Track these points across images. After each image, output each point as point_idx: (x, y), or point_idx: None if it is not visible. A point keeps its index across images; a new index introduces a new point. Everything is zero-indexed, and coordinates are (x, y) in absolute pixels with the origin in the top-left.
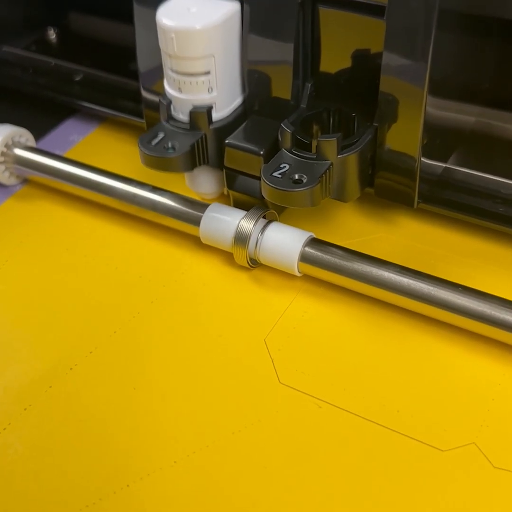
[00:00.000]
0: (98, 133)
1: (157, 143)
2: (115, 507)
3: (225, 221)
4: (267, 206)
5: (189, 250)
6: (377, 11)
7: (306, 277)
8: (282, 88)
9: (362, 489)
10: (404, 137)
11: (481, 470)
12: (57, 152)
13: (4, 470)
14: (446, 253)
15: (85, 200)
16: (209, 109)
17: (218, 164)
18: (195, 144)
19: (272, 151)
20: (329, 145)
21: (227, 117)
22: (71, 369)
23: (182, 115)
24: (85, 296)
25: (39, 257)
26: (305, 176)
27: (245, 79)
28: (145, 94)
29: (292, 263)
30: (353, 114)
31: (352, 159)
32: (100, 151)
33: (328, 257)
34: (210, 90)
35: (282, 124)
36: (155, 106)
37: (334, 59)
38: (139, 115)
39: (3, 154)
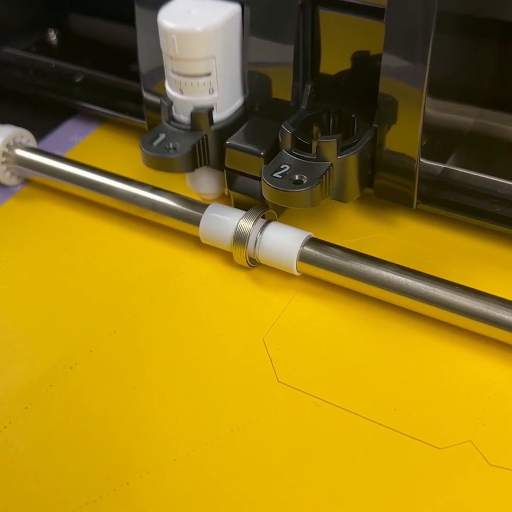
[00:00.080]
0: (98, 134)
1: (159, 144)
2: (115, 504)
3: (225, 221)
4: (267, 206)
5: (188, 250)
6: (376, 13)
7: (305, 277)
8: (282, 90)
9: (359, 486)
10: (403, 138)
11: (477, 468)
12: (58, 153)
13: (5, 469)
14: (444, 253)
15: (85, 200)
16: (210, 110)
17: (219, 165)
18: (196, 145)
19: (272, 152)
20: (329, 146)
21: (228, 118)
22: (71, 368)
23: (183, 116)
24: (85, 295)
25: (40, 257)
26: (305, 176)
27: (245, 80)
28: (146, 95)
29: (291, 262)
30: (353, 115)
31: (351, 160)
32: (100, 152)
33: (327, 256)
34: (211, 91)
35: (282, 125)
36: (156, 107)
37: (334, 61)
38: (139, 116)
39: (4, 154)
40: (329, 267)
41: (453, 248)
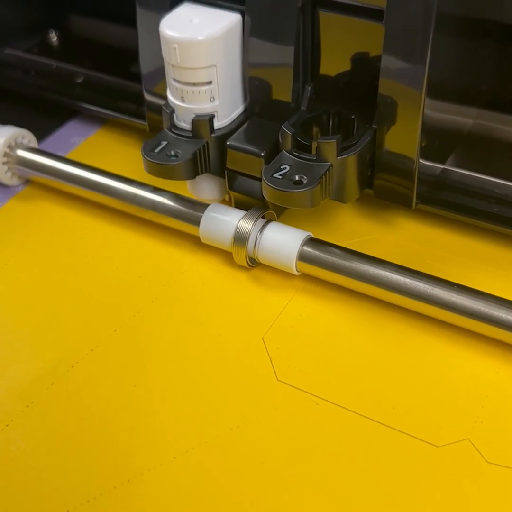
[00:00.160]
0: (99, 135)
1: (160, 151)
2: (115, 501)
3: (225, 221)
4: (267, 206)
5: (189, 250)
6: (376, 15)
7: (304, 276)
8: (282, 91)
9: (358, 484)
10: (402, 139)
11: (475, 466)
12: (59, 154)
13: (7, 466)
14: (444, 254)
15: (86, 201)
16: (211, 118)
17: (220, 172)
18: (197, 152)
19: (272, 153)
20: (329, 147)
21: (229, 125)
22: (72, 367)
23: (185, 124)
24: (86, 295)
25: (41, 257)
26: (305, 177)
27: (246, 87)
28: (147, 97)
29: (290, 262)
30: (353, 116)
31: (351, 160)
32: (101, 153)
33: (326, 256)
34: (212, 99)
35: (282, 126)
36: (157, 109)
37: (333, 62)
38: (140, 117)
39: (6, 155)
40: (328, 266)
41: (452, 248)
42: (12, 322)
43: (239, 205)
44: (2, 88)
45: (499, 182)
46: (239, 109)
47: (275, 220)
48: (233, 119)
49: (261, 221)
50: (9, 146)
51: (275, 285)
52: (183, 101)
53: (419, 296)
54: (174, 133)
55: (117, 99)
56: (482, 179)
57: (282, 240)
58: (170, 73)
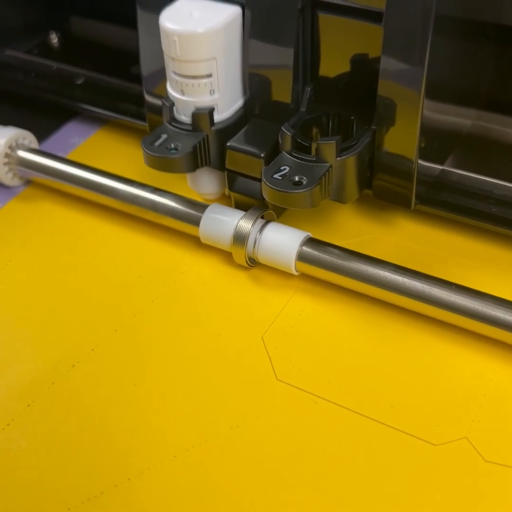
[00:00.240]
0: (99, 136)
1: (160, 144)
2: (116, 500)
3: (224, 221)
4: (267, 207)
5: (188, 250)
6: (375, 17)
7: (303, 276)
8: (282, 92)
9: (357, 482)
10: (401, 140)
11: (473, 464)
12: (59, 155)
13: (8, 465)
14: (443, 254)
15: (86, 201)
16: (211, 111)
17: (220, 165)
18: (197, 145)
19: (272, 154)
20: (329, 148)
21: (229, 118)
22: (73, 366)
23: (185, 117)
24: (86, 295)
25: (41, 257)
26: (305, 178)
27: (246, 81)
28: (148, 97)
29: (290, 262)
30: (352, 118)
31: (351, 161)
32: (101, 154)
33: (325, 256)
34: (212, 92)
35: (282, 128)
36: (157, 109)
37: (333, 64)
38: (140, 117)
39: (6, 155)
40: (327, 266)
41: (451, 248)
42: (13, 321)
43: (239, 206)
44: (3, 89)
45: (498, 183)
46: (239, 102)
47: (274, 220)
48: (233, 112)
49: (260, 221)
50: (10, 147)
51: (274, 285)
52: (183, 94)
53: (417, 296)
54: (174, 126)
55: (117, 100)
56: (480, 180)
57: (282, 240)
58: (170, 66)
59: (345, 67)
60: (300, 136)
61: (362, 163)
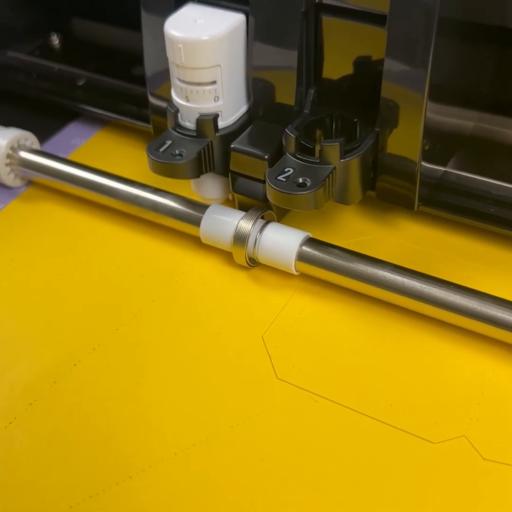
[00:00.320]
0: (100, 137)
1: (165, 150)
2: (118, 497)
3: (225, 222)
4: (271, 209)
5: (189, 250)
6: (378, 20)
7: (303, 276)
8: (286, 94)
9: (356, 480)
10: (405, 141)
11: (471, 462)
12: (60, 156)
13: (10, 463)
14: (445, 255)
15: (88, 202)
16: (215, 117)
17: (224, 171)
18: (202, 151)
19: (276, 156)
20: (332, 150)
21: (233, 124)
22: (75, 365)
23: (189, 123)
24: (88, 295)
25: (43, 257)
26: (308, 179)
27: (250, 87)
28: (151, 99)
29: (290, 262)
30: (355, 120)
31: (354, 163)
32: (102, 155)
33: (325, 256)
34: (216, 99)
35: (286, 129)
36: (161, 111)
37: (336, 66)
38: (141, 119)
39: (8, 156)
40: (327, 266)
41: (454, 250)
42: (15, 321)
43: (242, 207)
44: (5, 90)
45: (500, 184)
46: (243, 108)
47: (274, 221)
48: (237, 118)
49: (260, 222)
50: (12, 148)
51: (274, 285)
52: (188, 101)
53: (416, 296)
54: (178, 132)
55: (118, 101)
56: (483, 181)
57: (282, 241)
58: (174, 73)
59: (349, 70)
60: (303, 138)
61: (365, 165)
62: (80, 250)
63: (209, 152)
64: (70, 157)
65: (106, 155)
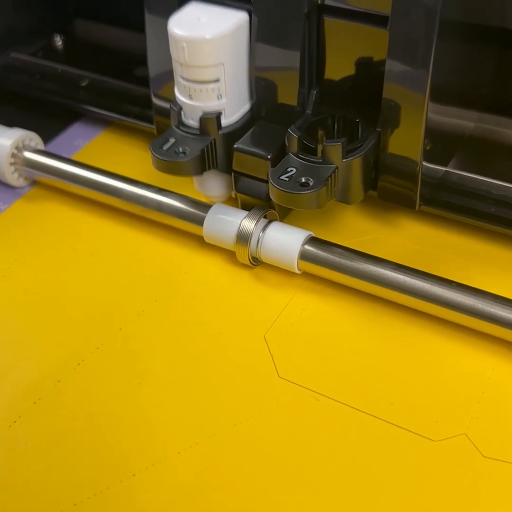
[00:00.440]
0: (103, 137)
1: (169, 148)
2: (121, 495)
3: (228, 221)
4: (273, 208)
5: (192, 250)
6: (380, 21)
7: (306, 275)
8: (288, 95)
9: (357, 478)
10: (406, 142)
11: (471, 460)
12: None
13: (15, 462)
14: (446, 255)
15: (91, 201)
16: (218, 115)
17: (227, 168)
18: (205, 149)
19: (279, 156)
20: (335, 150)
21: (236, 122)
22: (78, 364)
23: (192, 121)
24: (91, 294)
25: (47, 256)
26: (311, 179)
27: (253, 86)
28: (155, 100)
29: (292, 261)
30: (357, 120)
31: (356, 163)
32: (105, 155)
33: (327, 255)
34: (219, 97)
35: (289, 130)
36: (164, 112)
37: (338, 67)
38: (144, 119)
39: (13, 156)
40: (329, 265)
41: (455, 249)
42: (19, 320)
43: (245, 206)
44: (9, 91)
45: (501, 184)
46: (246, 107)
47: (277, 220)
48: (240, 117)
49: (263, 221)
50: (17, 148)
51: (277, 284)
52: (191, 99)
53: (417, 294)
54: (182, 130)
55: (121, 102)
56: (484, 181)
57: (284, 240)
58: (178, 71)
59: (351, 70)
60: (306, 138)
61: (367, 164)
62: (84, 249)
63: (212, 150)
64: (74, 157)
65: (109, 155)
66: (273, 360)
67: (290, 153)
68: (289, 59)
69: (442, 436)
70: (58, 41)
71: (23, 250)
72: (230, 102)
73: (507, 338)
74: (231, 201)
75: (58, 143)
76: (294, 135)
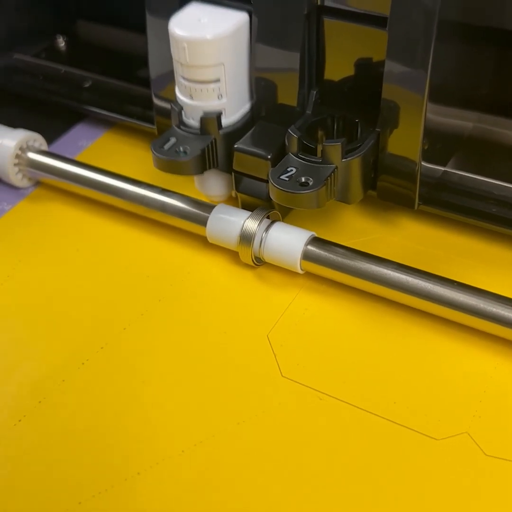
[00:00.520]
0: (106, 138)
1: (169, 147)
2: (125, 494)
3: (231, 221)
4: (273, 207)
5: (195, 250)
6: (379, 22)
7: (308, 275)
8: (288, 95)
9: (360, 476)
10: (405, 142)
11: (473, 458)
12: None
13: (20, 460)
14: (445, 254)
15: (95, 202)
16: (218, 115)
17: (227, 168)
18: (206, 148)
19: (279, 156)
20: (334, 150)
21: (236, 122)
22: (83, 364)
23: (193, 121)
24: (95, 294)
25: (51, 257)
26: (311, 179)
27: (253, 86)
28: (156, 100)
29: (295, 261)
30: (357, 120)
31: (355, 163)
32: (108, 156)
33: (329, 255)
34: (220, 97)
35: (289, 130)
36: (165, 113)
37: (338, 68)
38: (147, 120)
39: (17, 157)
40: (332, 265)
41: (454, 248)
42: (24, 320)
43: (245, 206)
44: (12, 92)
45: (499, 184)
46: (246, 107)
47: (280, 220)
48: (240, 116)
49: (266, 221)
50: (21, 149)
51: (280, 283)
52: (192, 99)
53: (420, 294)
54: (182, 130)
55: (124, 103)
56: (482, 181)
57: (287, 240)
58: (178, 71)
59: (350, 71)
60: (306, 138)
61: (366, 164)
62: (87, 250)
63: (213, 149)
64: (77, 158)
65: (112, 156)
66: (276, 359)
67: (290, 153)
68: (289, 60)
69: (445, 434)
70: (61, 43)
71: (27, 251)
72: (231, 102)
73: (508, 337)
74: (232, 201)
75: (62, 144)
76: (294, 135)
